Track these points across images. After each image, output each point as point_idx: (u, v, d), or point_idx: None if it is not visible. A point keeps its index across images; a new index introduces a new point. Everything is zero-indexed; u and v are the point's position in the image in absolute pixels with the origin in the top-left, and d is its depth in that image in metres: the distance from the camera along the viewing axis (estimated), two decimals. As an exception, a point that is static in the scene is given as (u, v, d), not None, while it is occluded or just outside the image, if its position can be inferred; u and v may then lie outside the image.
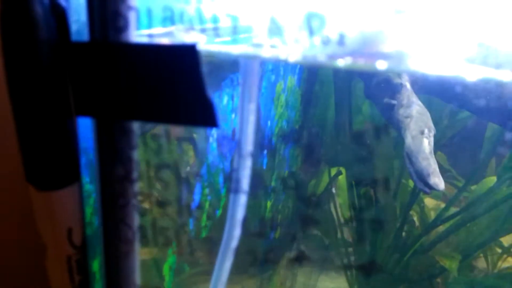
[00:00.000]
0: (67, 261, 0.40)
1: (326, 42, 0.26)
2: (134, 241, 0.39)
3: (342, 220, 2.01)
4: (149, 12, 0.35)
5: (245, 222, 0.55)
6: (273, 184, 1.03)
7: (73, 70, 0.35)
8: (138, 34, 0.33)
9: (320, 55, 0.28)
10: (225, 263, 0.49)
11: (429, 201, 2.21)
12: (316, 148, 1.29)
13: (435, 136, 1.04)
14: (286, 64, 0.97)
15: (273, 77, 0.88)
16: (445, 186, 2.66)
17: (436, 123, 1.10)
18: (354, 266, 1.87)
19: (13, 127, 0.36)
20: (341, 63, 0.28)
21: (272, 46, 0.33)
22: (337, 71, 1.45)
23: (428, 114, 1.05)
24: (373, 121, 1.58)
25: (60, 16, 0.34)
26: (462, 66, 0.31)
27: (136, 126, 0.36)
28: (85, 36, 0.35)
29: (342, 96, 1.53)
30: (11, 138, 0.36)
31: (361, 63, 0.28)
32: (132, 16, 0.33)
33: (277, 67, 0.91)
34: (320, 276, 1.91)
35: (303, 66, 1.17)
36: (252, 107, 0.43)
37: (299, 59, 0.29)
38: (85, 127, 0.39)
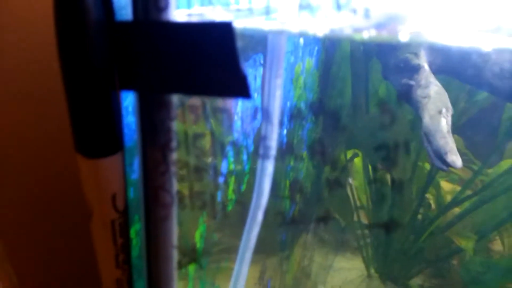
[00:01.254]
0: (111, 224, 0.44)
1: (353, 13, 0.29)
2: (172, 206, 0.43)
3: (358, 202, 2.03)
4: (188, -7, 0.38)
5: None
6: (291, 163, 1.06)
7: (118, 48, 0.38)
8: (177, 14, 0.36)
9: (346, 28, 0.30)
10: (253, 229, 0.53)
11: (445, 185, 2.22)
12: (333, 130, 1.31)
13: (452, 117, 1.06)
14: (304, 45, 0.99)
15: (292, 59, 0.90)
16: (463, 170, 2.67)
17: (453, 104, 1.11)
18: (370, 247, 1.90)
19: (64, 102, 0.39)
20: (366, 35, 0.30)
21: (301, 21, 0.36)
22: (354, 53, 1.46)
23: (446, 94, 1.06)
24: (390, 103, 1.59)
25: (105, -2, 0.37)
26: (481, 36, 0.33)
27: (175, 98, 0.39)
28: (123, 16, 0.39)
29: (360, 77, 1.54)
30: (63, 113, 0.39)
31: (385, 35, 0.30)
32: (172, -3, 0.36)
33: (296, 48, 0.93)
34: (336, 257, 1.95)
35: (321, 48, 1.19)
36: (278, 82, 0.45)
37: (327, 33, 0.32)
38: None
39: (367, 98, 1.62)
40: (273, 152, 0.47)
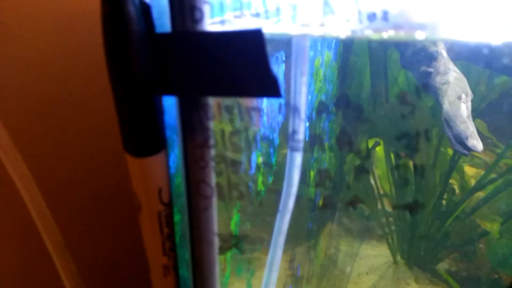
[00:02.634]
0: (157, 216, 0.49)
1: (372, 18, 0.32)
2: (212, 197, 0.47)
3: (381, 191, 2.05)
4: (221, 4, 0.42)
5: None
6: (315, 155, 1.09)
7: (159, 56, 0.42)
8: (211, 22, 0.40)
9: (366, 30, 0.34)
10: (285, 215, 0.57)
11: (469, 169, 2.21)
12: (354, 120, 1.33)
13: (473, 102, 1.07)
14: (323, 39, 1.02)
15: (311, 53, 0.93)
16: (487, 154, 2.66)
17: (473, 90, 1.12)
18: (395, 234, 1.92)
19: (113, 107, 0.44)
20: (385, 35, 0.33)
21: (322, 25, 0.39)
22: (371, 43, 1.48)
23: (465, 80, 1.07)
24: (410, 91, 1.60)
25: (146, 12, 0.41)
26: (497, 31, 0.35)
27: (211, 100, 0.43)
28: (162, 27, 0.43)
29: (378, 67, 1.56)
30: (112, 116, 0.44)
31: (402, 35, 0.33)
32: (206, 9, 0.40)
33: (315, 43, 0.96)
34: (362, 245, 1.98)
35: (338, 41, 1.21)
36: (304, 80, 0.49)
37: (349, 35, 0.35)
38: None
39: (387, 87, 1.63)
40: (301, 144, 0.51)
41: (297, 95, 0.50)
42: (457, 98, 1.00)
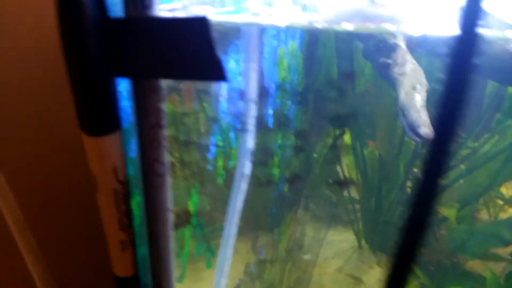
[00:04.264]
0: (113, 193, 0.51)
1: (304, 9, 0.35)
2: (165, 175, 0.50)
3: (348, 178, 2.11)
4: (170, -8, 0.44)
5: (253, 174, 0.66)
6: (279, 141, 1.13)
7: (112, 40, 0.45)
8: (160, 9, 0.43)
9: (302, 21, 0.37)
10: (238, 195, 0.60)
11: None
12: (319, 109, 1.38)
13: (429, 92, 1.12)
14: (287, 29, 1.05)
15: (275, 42, 0.96)
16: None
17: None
18: (360, 220, 1.99)
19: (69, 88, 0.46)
20: (318, 26, 0.37)
21: (269, 15, 0.42)
22: (338, 34, 1.52)
23: (421, 71, 1.13)
24: (375, 82, 1.66)
25: (99, -2, 0.44)
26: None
27: (163, 83, 0.46)
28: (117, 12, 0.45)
29: (344, 58, 1.60)
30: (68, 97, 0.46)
31: (335, 26, 0.37)
32: (156, -4, 0.42)
33: (278, 32, 0.99)
34: (329, 231, 2.04)
35: (303, 31, 1.25)
36: (253, 66, 0.52)
37: (288, 24, 0.38)
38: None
39: (353, 77, 1.68)
40: (250, 126, 0.54)
41: (246, 80, 0.53)
42: (412, 88, 1.05)
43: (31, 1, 0.56)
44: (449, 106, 0.27)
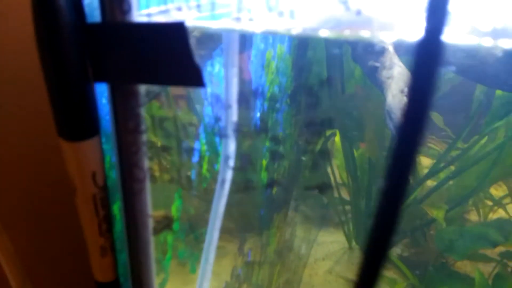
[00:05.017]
0: (92, 198, 0.51)
1: (280, 15, 0.35)
2: (145, 180, 0.50)
3: (339, 180, 2.12)
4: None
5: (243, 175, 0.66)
6: (267, 144, 1.13)
7: (90, 45, 0.44)
8: (139, 14, 0.42)
9: (279, 27, 0.37)
10: (220, 198, 0.60)
11: (424, 160, 2.31)
12: (309, 111, 1.38)
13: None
14: (274, 33, 1.05)
15: (262, 46, 0.96)
16: (441, 145, 2.76)
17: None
18: (351, 222, 2.00)
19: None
20: (294, 32, 0.37)
21: (250, 19, 0.42)
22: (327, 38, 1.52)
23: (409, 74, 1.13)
24: (364, 84, 1.66)
25: (77, 2, 0.43)
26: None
27: (142, 88, 0.46)
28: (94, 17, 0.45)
29: (334, 60, 1.61)
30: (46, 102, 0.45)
31: (309, 32, 0.37)
32: (134, 1, 0.42)
33: (266, 36, 0.99)
34: (319, 232, 2.05)
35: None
36: (234, 71, 0.52)
37: (264, 31, 0.38)
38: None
39: (343, 80, 1.68)
40: (230, 132, 0.54)
41: (227, 85, 0.53)
42: (400, 91, 1.05)
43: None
44: (413, 113, 0.27)
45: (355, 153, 1.95)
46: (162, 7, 0.44)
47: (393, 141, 0.29)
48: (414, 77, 0.27)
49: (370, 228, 0.33)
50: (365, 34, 0.37)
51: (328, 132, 1.91)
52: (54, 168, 0.58)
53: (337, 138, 2.03)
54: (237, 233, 1.20)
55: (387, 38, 0.38)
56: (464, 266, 1.91)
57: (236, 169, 0.56)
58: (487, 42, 0.37)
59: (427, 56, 0.26)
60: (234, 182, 0.59)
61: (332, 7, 0.37)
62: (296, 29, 0.37)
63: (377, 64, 1.14)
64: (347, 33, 0.37)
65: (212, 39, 0.69)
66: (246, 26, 0.39)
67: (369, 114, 1.72)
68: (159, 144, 0.46)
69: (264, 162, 1.12)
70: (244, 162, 0.54)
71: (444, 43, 0.26)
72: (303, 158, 1.62)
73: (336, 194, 2.05)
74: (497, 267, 1.79)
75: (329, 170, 2.00)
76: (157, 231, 0.49)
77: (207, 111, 0.72)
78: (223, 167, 0.57)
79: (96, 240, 0.53)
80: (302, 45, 1.42)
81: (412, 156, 0.28)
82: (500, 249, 1.76)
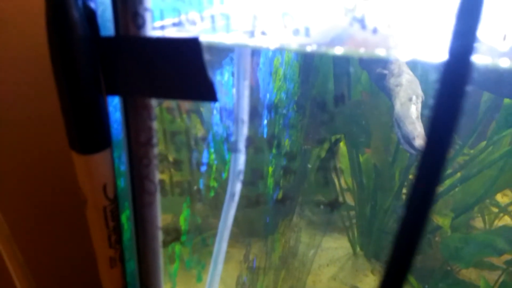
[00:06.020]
0: (103, 210, 0.51)
1: (295, 33, 0.35)
2: (156, 193, 0.50)
3: (344, 185, 2.12)
4: (161, 12, 0.44)
5: (249, 183, 0.66)
6: (274, 151, 1.13)
7: (103, 59, 0.44)
8: (152, 27, 0.42)
9: (293, 44, 0.37)
10: (230, 209, 0.60)
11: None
12: (316, 117, 1.38)
13: (424, 103, 1.12)
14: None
15: (270, 53, 0.96)
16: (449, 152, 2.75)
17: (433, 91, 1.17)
18: (355, 228, 1.99)
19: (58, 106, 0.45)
20: (309, 49, 0.37)
21: (263, 33, 0.42)
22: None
23: (417, 82, 1.13)
24: (371, 91, 1.66)
25: (91, 16, 0.43)
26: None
27: (154, 101, 0.46)
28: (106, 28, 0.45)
29: (341, 67, 1.61)
30: (58, 115, 0.45)
31: (324, 50, 0.37)
32: (148, 15, 0.42)
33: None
34: (324, 237, 2.04)
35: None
36: (246, 84, 0.52)
37: (278, 47, 0.38)
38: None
39: (349, 86, 1.68)
40: (241, 146, 0.54)
41: (238, 98, 0.52)
42: (408, 99, 1.05)
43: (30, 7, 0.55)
44: (441, 127, 0.27)
45: (360, 159, 1.94)
46: (176, 19, 0.44)
47: (415, 167, 0.29)
48: (440, 99, 0.26)
49: (390, 256, 0.32)
50: (380, 52, 0.37)
51: (334, 138, 1.90)
52: (65, 178, 0.57)
53: (343, 143, 2.03)
54: (242, 238, 1.19)
55: (402, 57, 0.38)
56: (469, 274, 1.90)
57: (246, 183, 0.56)
58: (504, 63, 0.37)
59: (455, 77, 0.26)
60: (244, 196, 0.59)
61: (347, 24, 0.37)
62: (311, 46, 0.37)
63: (385, 72, 1.14)
64: (362, 51, 0.37)
65: (222, 48, 0.69)
66: (260, 42, 0.39)
67: (375, 120, 1.72)
68: (170, 159, 0.46)
69: (271, 169, 1.12)
70: (255, 177, 0.54)
71: (473, 64, 0.25)
72: (309, 165, 1.62)
73: (341, 199, 2.04)
74: (502, 275, 1.78)
75: (333, 175, 2.00)
76: (166, 244, 0.49)
77: (216, 119, 0.72)
78: (232, 180, 0.57)
79: (106, 252, 0.53)
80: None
81: (436, 181, 0.28)
82: (506, 257, 1.75)
